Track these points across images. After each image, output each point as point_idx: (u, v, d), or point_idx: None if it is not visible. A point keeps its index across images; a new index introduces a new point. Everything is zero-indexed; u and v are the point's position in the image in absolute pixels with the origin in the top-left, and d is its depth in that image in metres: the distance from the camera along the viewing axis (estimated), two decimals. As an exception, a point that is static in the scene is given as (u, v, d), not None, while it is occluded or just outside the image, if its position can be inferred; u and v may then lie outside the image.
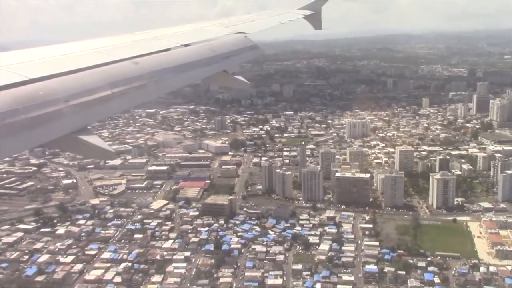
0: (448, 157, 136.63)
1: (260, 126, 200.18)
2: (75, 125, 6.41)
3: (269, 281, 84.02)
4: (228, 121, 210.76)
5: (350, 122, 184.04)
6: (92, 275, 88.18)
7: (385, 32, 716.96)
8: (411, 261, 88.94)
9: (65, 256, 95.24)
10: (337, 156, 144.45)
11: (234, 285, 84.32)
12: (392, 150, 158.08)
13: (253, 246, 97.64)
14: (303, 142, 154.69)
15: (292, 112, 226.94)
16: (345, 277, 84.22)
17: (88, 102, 6.68)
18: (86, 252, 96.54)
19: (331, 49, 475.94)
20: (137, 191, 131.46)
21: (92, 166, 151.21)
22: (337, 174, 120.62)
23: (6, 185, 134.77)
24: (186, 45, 10.68)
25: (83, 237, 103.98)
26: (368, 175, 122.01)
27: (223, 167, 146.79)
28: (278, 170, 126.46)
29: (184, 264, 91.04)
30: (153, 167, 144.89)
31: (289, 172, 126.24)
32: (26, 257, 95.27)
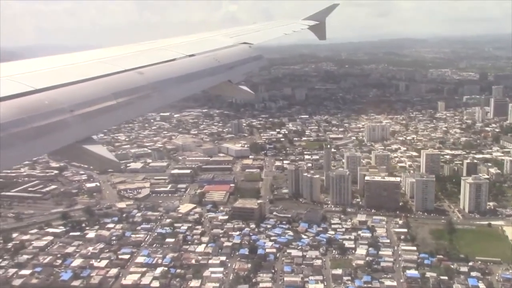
0: (475, 161, 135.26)
1: (277, 130, 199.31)
2: (80, 135, 6.37)
3: (310, 286, 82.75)
4: (244, 124, 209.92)
5: (369, 126, 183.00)
6: (128, 279, 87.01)
7: (389, 36, 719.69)
8: (452, 266, 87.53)
9: (98, 260, 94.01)
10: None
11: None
12: (414, 153, 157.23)
13: (288, 251, 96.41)
14: (328, 145, 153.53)
15: (307, 116, 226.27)
16: (387, 283, 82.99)
17: (92, 112, 6.68)
18: (120, 257, 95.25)
19: (337, 53, 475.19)
20: (162, 194, 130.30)
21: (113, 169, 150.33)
22: (367, 178, 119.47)
23: (29, 189, 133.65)
24: (191, 56, 10.70)
25: (114, 241, 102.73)
26: (398, 178, 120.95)
27: (247, 170, 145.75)
28: (305, 174, 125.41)
29: (221, 269, 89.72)
30: (176, 171, 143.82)
31: (317, 176, 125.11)
32: (59, 261, 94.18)
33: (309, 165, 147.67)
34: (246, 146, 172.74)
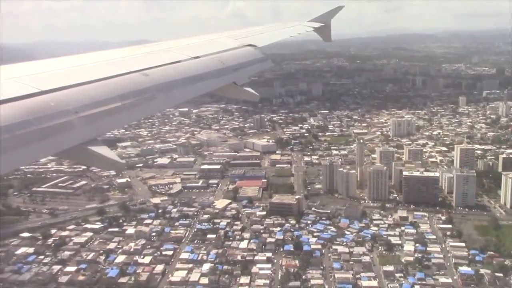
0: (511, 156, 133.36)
1: (300, 125, 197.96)
2: (85, 136, 6.43)
3: (364, 283, 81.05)
4: (265, 119, 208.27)
5: (394, 121, 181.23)
6: (176, 276, 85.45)
7: (397, 32, 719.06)
8: (505, 263, 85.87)
9: (142, 256, 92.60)
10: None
11: (327, 287, 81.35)
12: (444, 148, 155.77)
13: (333, 247, 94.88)
14: (361, 140, 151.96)
15: (327, 111, 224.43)
16: (442, 279, 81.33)
17: (98, 113, 6.74)
18: (163, 253, 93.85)
19: (346, 49, 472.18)
20: (194, 190, 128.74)
21: (141, 164, 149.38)
22: (405, 173, 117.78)
23: (60, 184, 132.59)
24: (196, 57, 10.74)
25: (154, 237, 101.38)
26: (437, 174, 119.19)
27: (277, 166, 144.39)
28: (341, 169, 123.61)
29: (269, 265, 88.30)
30: (206, 166, 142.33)
31: (354, 171, 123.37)
32: (102, 257, 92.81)
33: (339, 160, 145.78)
34: (271, 141, 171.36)
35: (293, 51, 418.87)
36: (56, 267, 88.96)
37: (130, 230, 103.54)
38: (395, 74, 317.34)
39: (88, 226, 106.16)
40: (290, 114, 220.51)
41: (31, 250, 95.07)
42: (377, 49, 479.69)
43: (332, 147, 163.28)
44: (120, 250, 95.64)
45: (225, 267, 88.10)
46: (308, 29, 22.26)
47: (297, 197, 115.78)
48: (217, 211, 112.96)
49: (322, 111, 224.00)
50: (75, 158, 6.94)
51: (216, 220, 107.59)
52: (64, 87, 6.74)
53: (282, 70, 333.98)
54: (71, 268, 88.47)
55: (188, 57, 10.54)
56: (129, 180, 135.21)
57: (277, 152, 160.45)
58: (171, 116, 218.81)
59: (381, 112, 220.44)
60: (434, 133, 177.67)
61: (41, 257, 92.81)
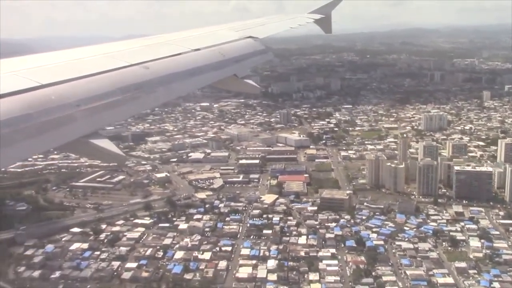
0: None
1: (327, 120, 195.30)
2: (86, 130, 6.40)
3: (439, 280, 78.82)
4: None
5: (426, 115, 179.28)
6: (242, 273, 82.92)
7: (399, 26, 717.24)
8: None
9: (200, 252, 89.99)
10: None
11: (401, 284, 79.12)
12: (481, 143, 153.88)
13: (396, 243, 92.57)
14: (404, 135, 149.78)
15: (351, 106, 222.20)
16: (519, 276, 79.31)
17: (98, 106, 6.69)
18: (223, 249, 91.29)
19: (351, 44, 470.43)
20: (236, 185, 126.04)
21: (175, 159, 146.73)
22: (457, 168, 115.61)
23: (98, 179, 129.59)
24: (197, 50, 10.62)
25: (208, 233, 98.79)
26: (490, 169, 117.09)
27: (317, 160, 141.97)
28: (388, 164, 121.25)
29: (335, 262, 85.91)
30: (244, 161, 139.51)
31: (402, 166, 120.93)
32: (160, 253, 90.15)
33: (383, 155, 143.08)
34: (303, 136, 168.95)
35: (299, 46, 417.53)
36: (115, 263, 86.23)
37: (183, 226, 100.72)
38: (410, 69, 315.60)
39: (138, 221, 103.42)
40: (314, 109, 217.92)
41: (85, 245, 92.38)
42: (384, 44, 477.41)
43: (366, 142, 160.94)
44: (177, 246, 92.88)
45: (290, 263, 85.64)
46: (309, 20, 21.92)
47: (347, 192, 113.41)
48: (266, 206, 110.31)
49: (345, 106, 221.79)
50: (77, 151, 6.87)
51: (268, 216, 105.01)
52: (65, 81, 6.62)
53: (293, 65, 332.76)
54: (131, 265, 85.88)
55: (188, 49, 10.38)
56: (168, 175, 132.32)
57: (311, 146, 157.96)
58: (193, 110, 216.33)
59: (405, 106, 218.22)
60: (466, 127, 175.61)
61: (97, 252, 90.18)
